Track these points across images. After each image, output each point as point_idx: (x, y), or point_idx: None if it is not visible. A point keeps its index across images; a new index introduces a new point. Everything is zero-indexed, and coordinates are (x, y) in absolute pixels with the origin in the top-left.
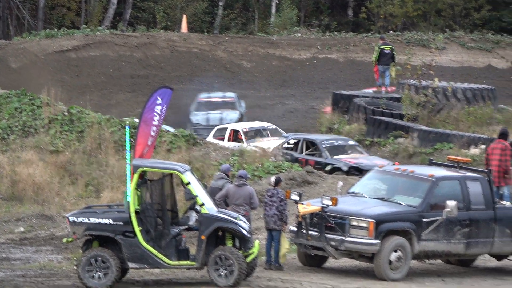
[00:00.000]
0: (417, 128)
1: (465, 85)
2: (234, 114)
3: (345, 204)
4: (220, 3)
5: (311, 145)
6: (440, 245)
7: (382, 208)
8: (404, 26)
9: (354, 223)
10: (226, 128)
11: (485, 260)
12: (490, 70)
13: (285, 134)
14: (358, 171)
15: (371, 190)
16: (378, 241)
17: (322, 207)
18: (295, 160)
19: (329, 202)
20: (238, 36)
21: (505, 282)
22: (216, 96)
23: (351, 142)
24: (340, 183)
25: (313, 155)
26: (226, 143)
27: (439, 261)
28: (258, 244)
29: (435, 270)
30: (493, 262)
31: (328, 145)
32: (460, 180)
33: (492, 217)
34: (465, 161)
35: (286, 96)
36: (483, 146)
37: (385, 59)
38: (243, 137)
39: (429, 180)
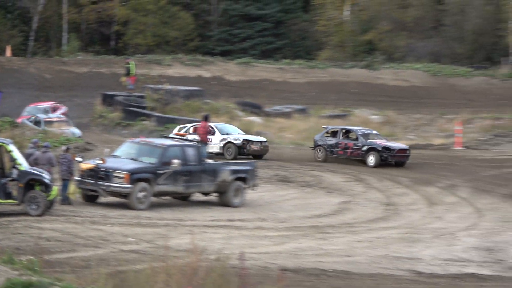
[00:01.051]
0: (154, 115)
1: (184, 87)
2: (77, 130)
3: (110, 163)
4: (31, 38)
5: (347, 132)
6: (170, 187)
7: (133, 165)
8: (146, 51)
9: (116, 174)
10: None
11: (197, 197)
12: (199, 79)
13: (324, 126)
14: (388, 150)
15: (126, 154)
16: (131, 185)
17: (96, 165)
18: (336, 144)
19: (100, 162)
20: (42, 58)
21: (210, 210)
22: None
23: (375, 132)
24: (107, 150)
25: (349, 139)
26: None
27: (169, 197)
28: (56, 189)
29: (167, 203)
30: (201, 198)
31: (361, 133)
32: (181, 147)
33: (201, 169)
34: (184, 135)
35: (74, 96)
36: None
37: (134, 72)
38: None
39: (162, 147)
